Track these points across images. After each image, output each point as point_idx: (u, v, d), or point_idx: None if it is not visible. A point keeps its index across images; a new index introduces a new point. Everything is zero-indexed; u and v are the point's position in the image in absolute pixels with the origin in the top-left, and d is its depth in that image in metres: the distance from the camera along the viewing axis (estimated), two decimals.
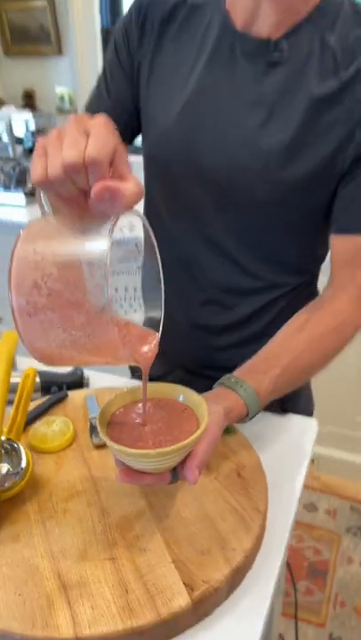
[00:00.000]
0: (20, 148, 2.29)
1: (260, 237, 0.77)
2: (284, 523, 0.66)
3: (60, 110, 2.44)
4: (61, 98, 2.43)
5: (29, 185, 2.35)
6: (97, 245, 0.45)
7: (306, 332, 0.72)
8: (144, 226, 0.52)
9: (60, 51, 2.37)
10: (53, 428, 0.75)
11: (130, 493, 0.66)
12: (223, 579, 0.55)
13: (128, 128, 0.81)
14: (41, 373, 0.89)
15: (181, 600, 0.53)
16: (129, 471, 0.54)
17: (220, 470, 0.69)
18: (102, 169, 0.43)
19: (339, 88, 0.65)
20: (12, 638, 0.50)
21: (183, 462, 0.54)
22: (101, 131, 0.44)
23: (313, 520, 1.79)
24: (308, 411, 0.92)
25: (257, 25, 0.68)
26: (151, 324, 0.56)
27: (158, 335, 0.55)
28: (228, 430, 0.76)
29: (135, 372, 0.97)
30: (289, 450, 0.79)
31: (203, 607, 0.54)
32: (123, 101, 0.80)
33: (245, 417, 0.66)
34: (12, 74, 2.53)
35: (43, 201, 0.51)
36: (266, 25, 0.67)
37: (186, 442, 0.51)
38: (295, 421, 0.86)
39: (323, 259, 0.85)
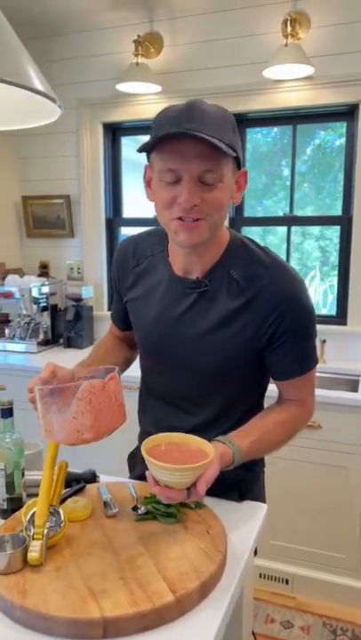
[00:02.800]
0: (35, 307, 2.79)
1: (208, 388, 1.15)
2: (238, 561, 0.96)
3: (70, 278, 3.00)
4: (71, 268, 3.01)
5: (41, 336, 2.81)
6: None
7: (270, 419, 1.12)
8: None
9: (72, 234, 3.01)
10: (79, 504, 1.07)
11: (133, 543, 0.97)
12: (195, 587, 0.85)
13: (128, 319, 1.26)
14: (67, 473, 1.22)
15: (168, 598, 0.83)
16: (159, 486, 0.90)
17: (195, 530, 1.01)
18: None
19: (245, 302, 1.06)
20: (62, 620, 0.79)
21: (194, 485, 0.90)
22: (45, 368, 1.03)
23: (289, 636, 1.93)
24: (260, 498, 1.23)
25: (190, 274, 1.10)
26: None
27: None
28: (200, 505, 1.08)
29: (132, 472, 1.31)
30: (245, 520, 1.11)
31: (182, 605, 0.84)
32: (122, 307, 1.26)
33: (231, 463, 1.01)
34: (32, 250, 3.14)
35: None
36: (195, 273, 1.10)
37: (202, 463, 0.88)
38: (250, 504, 1.18)
39: (264, 390, 1.23)
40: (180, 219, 0.99)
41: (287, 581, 2.19)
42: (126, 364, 1.35)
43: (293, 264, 2.84)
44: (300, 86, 2.45)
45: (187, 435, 1.00)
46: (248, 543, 1.03)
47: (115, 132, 2.94)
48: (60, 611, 0.80)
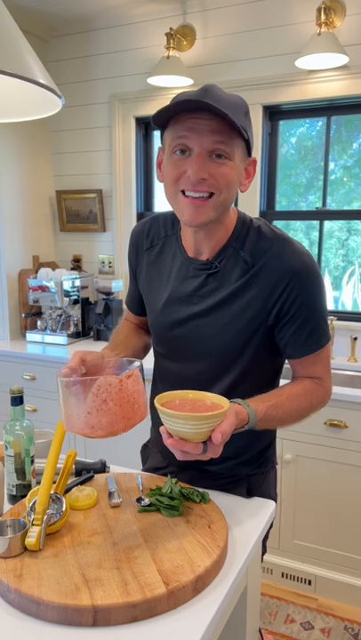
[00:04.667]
0: (66, 300, 2.83)
1: (217, 367, 1.13)
2: (239, 558, 0.95)
3: (101, 272, 3.04)
4: (103, 262, 3.04)
5: (72, 329, 2.86)
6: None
7: (284, 391, 1.10)
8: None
9: (104, 229, 3.04)
10: (83, 493, 1.08)
11: (133, 534, 0.97)
12: (189, 581, 0.85)
13: (143, 303, 1.27)
14: (76, 462, 1.24)
15: (160, 590, 0.82)
16: (174, 439, 0.89)
17: (197, 524, 1.00)
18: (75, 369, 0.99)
19: (251, 277, 1.06)
20: (53, 605, 0.80)
21: (209, 440, 0.89)
22: (73, 357, 1.01)
23: (309, 637, 1.90)
24: (270, 496, 1.21)
25: (200, 254, 1.12)
26: None
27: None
28: (205, 500, 1.07)
29: (144, 464, 1.31)
30: (251, 516, 1.09)
31: (175, 598, 0.83)
32: (137, 291, 1.28)
33: (246, 423, 0.99)
34: (65, 244, 3.20)
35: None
36: (205, 254, 1.11)
37: (218, 412, 0.87)
38: (257, 501, 1.16)
39: (277, 373, 1.21)
40: (186, 194, 0.99)
41: (310, 582, 2.15)
42: (145, 350, 1.35)
43: (338, 260, 2.78)
44: (334, 76, 2.38)
45: (201, 392, 0.99)
46: (251, 540, 1.02)
47: (147, 127, 2.95)
48: (53, 596, 0.81)
